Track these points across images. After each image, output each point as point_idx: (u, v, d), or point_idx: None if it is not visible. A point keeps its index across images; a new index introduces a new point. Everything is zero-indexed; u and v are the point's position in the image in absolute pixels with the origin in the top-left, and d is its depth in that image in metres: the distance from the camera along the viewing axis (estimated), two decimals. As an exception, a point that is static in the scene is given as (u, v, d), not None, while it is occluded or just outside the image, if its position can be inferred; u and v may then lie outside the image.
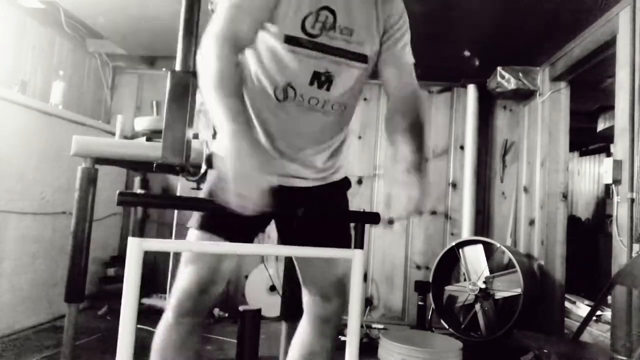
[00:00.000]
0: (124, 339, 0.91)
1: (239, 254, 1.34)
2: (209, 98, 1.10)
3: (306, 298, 1.43)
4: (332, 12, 1.21)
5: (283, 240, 1.41)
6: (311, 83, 1.26)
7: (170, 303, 1.29)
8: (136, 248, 0.94)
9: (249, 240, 1.36)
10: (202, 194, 1.35)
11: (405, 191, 1.06)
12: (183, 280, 1.27)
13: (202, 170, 1.83)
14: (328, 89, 1.27)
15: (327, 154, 1.38)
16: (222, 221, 1.22)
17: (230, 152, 0.99)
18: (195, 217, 1.30)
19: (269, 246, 1.12)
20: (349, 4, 1.23)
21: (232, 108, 1.06)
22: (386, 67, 1.32)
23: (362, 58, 1.28)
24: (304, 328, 1.44)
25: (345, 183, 1.44)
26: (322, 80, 1.26)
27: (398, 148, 1.14)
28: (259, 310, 1.93)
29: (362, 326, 3.22)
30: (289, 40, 1.20)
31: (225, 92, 1.08)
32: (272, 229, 1.42)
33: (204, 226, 1.26)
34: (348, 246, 1.31)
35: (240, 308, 1.89)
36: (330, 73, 1.26)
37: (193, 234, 1.29)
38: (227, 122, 1.03)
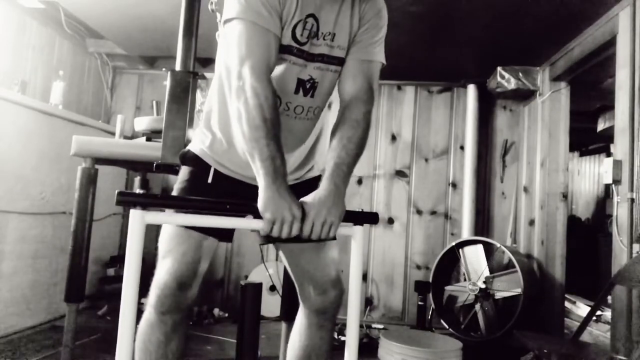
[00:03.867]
0: (124, 338, 0.91)
1: (219, 244, 1.34)
2: (248, 137, 1.07)
3: (301, 293, 1.42)
4: (316, 19, 1.21)
5: (270, 239, 1.40)
6: (296, 91, 1.26)
7: (150, 301, 1.26)
8: (138, 221, 0.94)
9: (228, 234, 1.36)
10: (175, 187, 1.36)
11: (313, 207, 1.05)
12: (161, 275, 1.26)
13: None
14: (312, 96, 1.28)
15: (303, 154, 1.39)
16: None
17: (270, 194, 1.02)
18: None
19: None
20: (331, 9, 1.22)
21: (272, 155, 1.05)
22: (346, 61, 1.28)
23: (340, 61, 1.28)
24: (301, 321, 1.43)
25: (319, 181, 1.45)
26: (307, 87, 1.26)
27: (323, 176, 1.14)
28: (259, 284, 1.92)
29: (362, 326, 3.23)
30: (282, 49, 1.20)
31: (264, 135, 1.06)
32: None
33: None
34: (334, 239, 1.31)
35: (242, 282, 1.89)
36: (315, 80, 1.26)
37: (166, 230, 1.29)
38: (266, 169, 1.04)
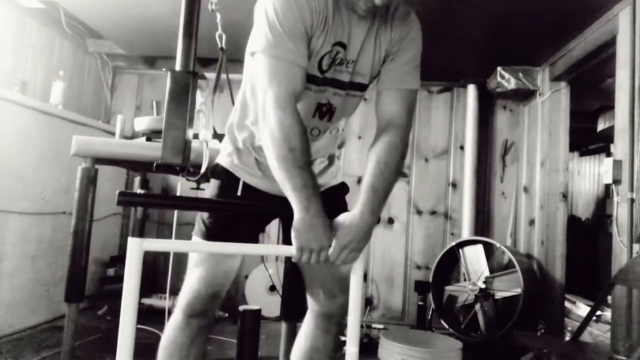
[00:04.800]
0: (124, 339, 0.91)
1: (243, 254, 1.36)
2: (277, 167, 1.07)
3: (310, 295, 1.44)
4: (344, 46, 1.19)
5: (288, 242, 1.42)
6: (313, 115, 1.27)
7: (180, 304, 1.31)
8: (136, 248, 0.94)
9: (254, 241, 1.38)
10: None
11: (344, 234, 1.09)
12: (193, 282, 1.29)
13: (202, 170, 1.83)
14: (329, 120, 1.29)
15: (325, 164, 1.42)
16: (225, 231, 1.25)
17: (302, 225, 1.05)
18: (198, 226, 1.31)
19: (268, 246, 1.14)
20: (358, 36, 1.20)
21: (303, 183, 1.06)
22: (382, 91, 1.26)
23: (362, 87, 1.28)
24: (308, 324, 1.45)
25: (343, 188, 1.47)
26: (323, 111, 1.27)
27: (359, 200, 1.14)
28: (258, 310, 1.93)
29: (362, 326, 3.22)
30: (307, 79, 1.17)
31: (292, 164, 1.06)
32: (271, 228, 1.43)
33: (209, 236, 1.28)
34: None
35: (240, 308, 1.89)
36: (332, 104, 1.27)
37: (200, 238, 1.30)
38: (298, 198, 1.05)
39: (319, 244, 1.06)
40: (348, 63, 1.22)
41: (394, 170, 1.19)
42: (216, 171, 1.38)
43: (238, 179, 1.33)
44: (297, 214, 1.06)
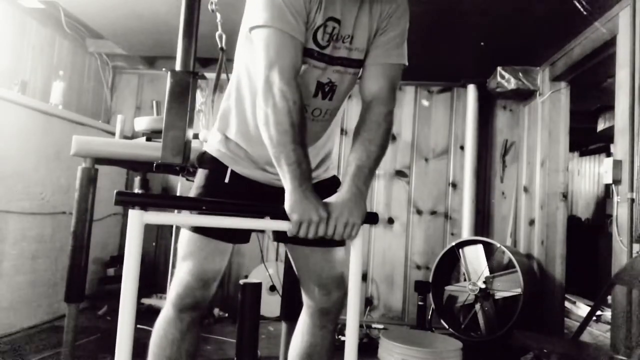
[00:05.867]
0: (123, 338, 0.91)
1: (235, 245, 1.36)
2: (276, 142, 1.07)
3: (305, 292, 1.43)
4: (338, 21, 1.21)
5: (281, 238, 1.41)
6: (315, 94, 1.26)
7: (170, 298, 1.29)
8: (137, 221, 0.94)
9: (245, 239, 1.37)
10: (191, 193, 1.36)
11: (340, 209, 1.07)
12: (182, 275, 1.28)
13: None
14: (331, 99, 1.29)
15: (321, 157, 1.41)
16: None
17: (296, 197, 1.04)
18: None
19: (263, 221, 1.14)
20: (351, 12, 1.22)
21: (298, 160, 1.06)
22: (367, 66, 1.28)
23: (359, 63, 1.29)
24: (304, 321, 1.45)
25: (334, 181, 1.46)
26: (325, 90, 1.27)
27: (345, 177, 1.15)
28: (259, 284, 1.92)
29: (362, 326, 3.23)
30: (304, 52, 1.19)
31: (291, 139, 1.06)
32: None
33: (198, 229, 1.28)
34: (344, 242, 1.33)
35: (241, 282, 1.89)
36: (334, 83, 1.27)
37: (186, 234, 1.30)
38: (292, 173, 1.05)
39: (317, 214, 1.04)
40: (345, 38, 1.23)
41: (379, 146, 1.19)
42: (203, 160, 1.38)
43: (226, 167, 1.33)
44: (290, 188, 1.05)
